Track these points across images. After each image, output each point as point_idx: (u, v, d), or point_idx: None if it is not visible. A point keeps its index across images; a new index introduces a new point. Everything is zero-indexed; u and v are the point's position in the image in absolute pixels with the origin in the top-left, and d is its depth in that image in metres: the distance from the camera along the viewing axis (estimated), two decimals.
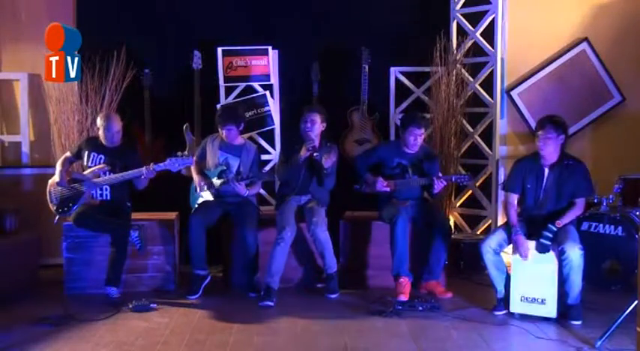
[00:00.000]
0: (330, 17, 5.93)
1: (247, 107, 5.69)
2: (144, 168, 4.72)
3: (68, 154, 4.99)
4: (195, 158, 5.00)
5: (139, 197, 5.02)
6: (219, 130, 5.03)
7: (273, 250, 4.74)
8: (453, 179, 5.02)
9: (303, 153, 4.87)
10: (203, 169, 5.07)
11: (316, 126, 4.97)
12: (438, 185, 4.82)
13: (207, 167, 5.07)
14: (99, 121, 4.92)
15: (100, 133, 4.90)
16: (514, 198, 4.53)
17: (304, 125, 4.96)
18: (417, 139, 4.95)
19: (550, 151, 4.40)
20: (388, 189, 4.96)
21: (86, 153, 4.91)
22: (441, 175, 4.85)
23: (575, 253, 4.20)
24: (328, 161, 4.92)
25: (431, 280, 4.87)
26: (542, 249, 4.31)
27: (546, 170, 4.46)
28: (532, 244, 4.35)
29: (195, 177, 5.02)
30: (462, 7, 5.99)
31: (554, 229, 4.30)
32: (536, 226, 4.41)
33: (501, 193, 5.50)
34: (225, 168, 4.95)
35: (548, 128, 4.36)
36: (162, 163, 4.72)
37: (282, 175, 5.07)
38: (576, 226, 4.62)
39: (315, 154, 4.85)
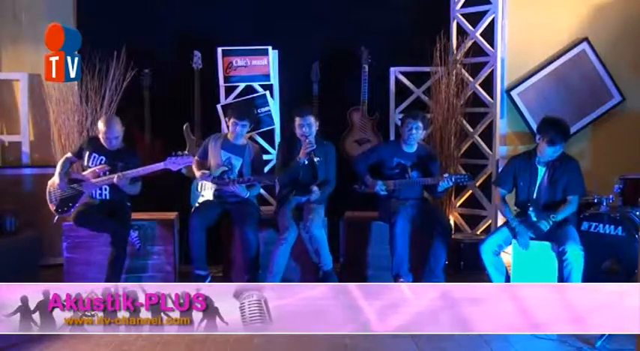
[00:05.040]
0: (330, 17, 5.92)
1: None
2: (115, 175, 4.69)
3: (69, 154, 4.98)
4: (196, 157, 5.02)
5: (139, 197, 5.01)
6: (230, 124, 5.00)
7: (275, 250, 4.74)
8: (454, 179, 5.02)
9: (302, 155, 4.87)
10: (204, 168, 5.07)
11: (313, 128, 4.94)
12: (445, 184, 4.82)
13: (209, 167, 5.07)
14: (100, 125, 4.89)
15: (100, 136, 4.90)
16: (503, 193, 4.60)
17: (302, 130, 4.92)
18: (412, 131, 4.92)
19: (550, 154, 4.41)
20: (386, 193, 4.95)
21: (87, 153, 4.90)
22: (447, 174, 4.86)
23: (575, 253, 4.20)
24: (329, 168, 4.96)
25: (431, 280, 4.87)
26: (538, 232, 4.32)
27: (540, 168, 4.47)
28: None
29: (197, 173, 5.02)
30: (462, 7, 5.98)
31: (553, 218, 4.33)
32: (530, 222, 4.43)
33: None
34: (227, 169, 4.95)
35: (556, 137, 4.34)
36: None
37: (281, 179, 5.06)
38: (576, 226, 4.62)
39: (315, 159, 4.84)
